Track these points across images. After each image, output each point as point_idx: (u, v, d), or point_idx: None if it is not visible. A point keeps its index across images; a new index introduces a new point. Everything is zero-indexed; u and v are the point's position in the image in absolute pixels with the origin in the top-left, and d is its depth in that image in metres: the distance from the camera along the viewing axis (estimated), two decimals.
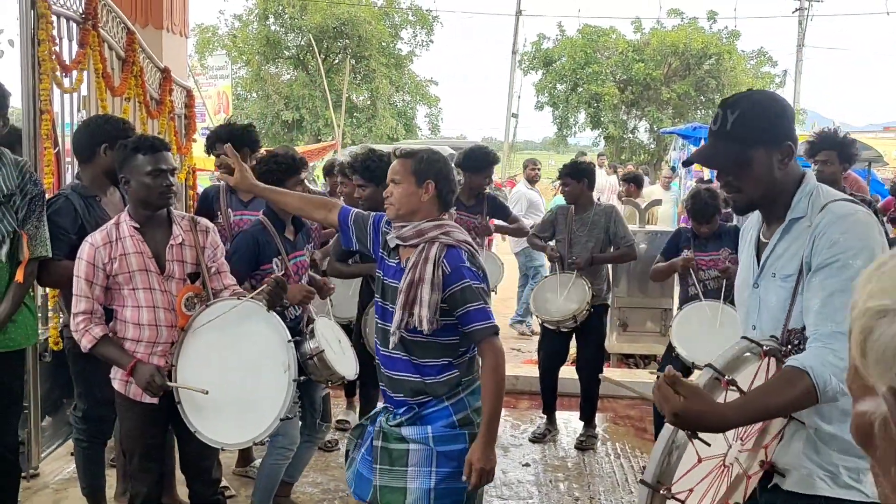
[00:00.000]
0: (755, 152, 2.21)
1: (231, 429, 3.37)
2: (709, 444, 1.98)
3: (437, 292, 2.89)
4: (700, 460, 1.99)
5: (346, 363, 4.12)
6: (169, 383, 3.33)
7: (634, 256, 6.14)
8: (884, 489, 0.85)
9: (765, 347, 2.15)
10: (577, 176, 5.87)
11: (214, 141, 4.94)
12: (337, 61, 34.33)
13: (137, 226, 3.46)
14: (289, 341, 3.27)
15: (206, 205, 5.00)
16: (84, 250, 3.41)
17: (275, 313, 3.42)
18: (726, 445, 2.10)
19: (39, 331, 4.17)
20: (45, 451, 5.03)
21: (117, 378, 3.53)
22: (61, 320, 4.45)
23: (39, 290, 4.63)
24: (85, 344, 3.37)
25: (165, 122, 6.39)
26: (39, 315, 4.34)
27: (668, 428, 2.02)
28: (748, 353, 2.15)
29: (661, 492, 1.98)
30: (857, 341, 0.82)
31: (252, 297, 3.42)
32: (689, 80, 32.16)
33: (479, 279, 2.96)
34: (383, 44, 35.28)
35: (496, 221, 6.73)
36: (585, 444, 5.88)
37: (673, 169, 16.46)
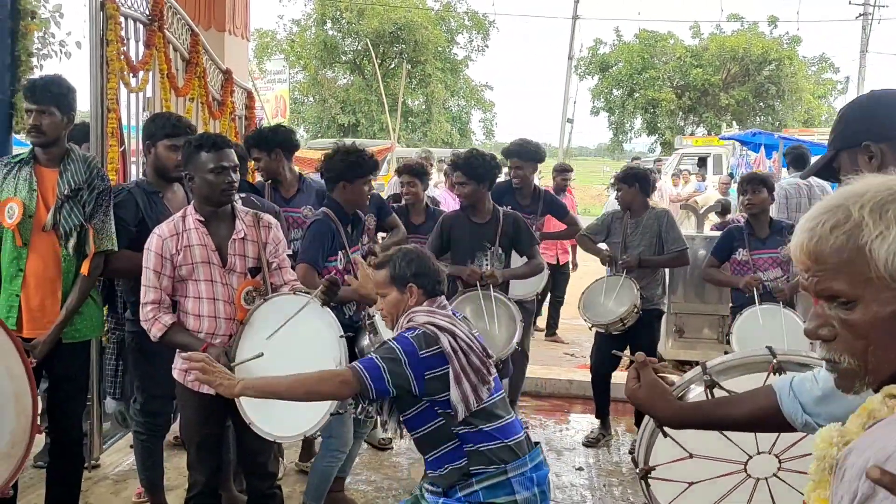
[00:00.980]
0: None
1: (284, 422, 3.39)
2: (678, 443, 2.12)
3: None
4: (691, 456, 2.08)
5: None
6: (230, 363, 3.34)
7: (686, 261, 6.04)
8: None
9: (776, 361, 2.15)
10: (630, 181, 5.82)
11: (248, 146, 5.06)
12: (393, 66, 34.60)
13: (202, 219, 3.53)
14: (341, 337, 3.29)
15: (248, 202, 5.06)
16: (152, 241, 3.48)
17: (329, 309, 3.44)
18: (744, 454, 2.10)
19: None
20: (106, 443, 5.14)
21: (177, 368, 3.61)
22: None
23: None
24: (155, 332, 3.44)
25: (227, 123, 6.50)
26: None
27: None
28: (756, 363, 2.15)
29: (637, 470, 2.11)
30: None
31: (313, 295, 3.43)
32: (749, 85, 31.77)
33: (405, 343, 2.90)
34: (439, 48, 35.46)
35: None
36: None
37: (731, 175, 16.25)
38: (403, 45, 34.30)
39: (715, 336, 7.51)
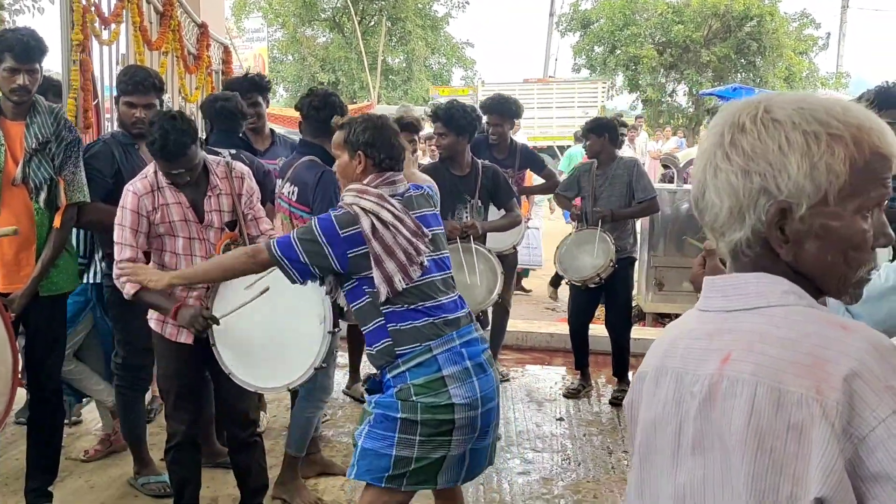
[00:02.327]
0: None
1: (265, 373, 3.42)
2: None
3: None
4: None
5: None
6: (215, 314, 3.36)
7: (657, 209, 6.14)
8: None
9: None
10: (599, 131, 5.84)
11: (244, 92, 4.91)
12: (372, 23, 34.21)
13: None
14: (326, 294, 3.28)
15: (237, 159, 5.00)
16: (127, 199, 3.44)
17: None
18: None
19: None
20: (86, 399, 5.14)
21: (153, 318, 3.60)
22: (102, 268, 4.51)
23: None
24: (128, 290, 3.39)
25: (203, 78, 6.43)
26: None
27: None
28: None
29: None
30: None
31: None
32: (730, 42, 31.59)
33: (324, 223, 2.92)
34: (419, 5, 35.07)
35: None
36: (620, 399, 5.88)
37: None
38: (383, 2, 33.91)
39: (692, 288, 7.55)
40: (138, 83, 3.97)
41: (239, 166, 3.71)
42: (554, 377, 6.48)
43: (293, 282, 2.97)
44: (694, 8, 31.60)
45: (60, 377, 4.02)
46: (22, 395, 4.22)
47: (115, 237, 3.44)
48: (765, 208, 1.17)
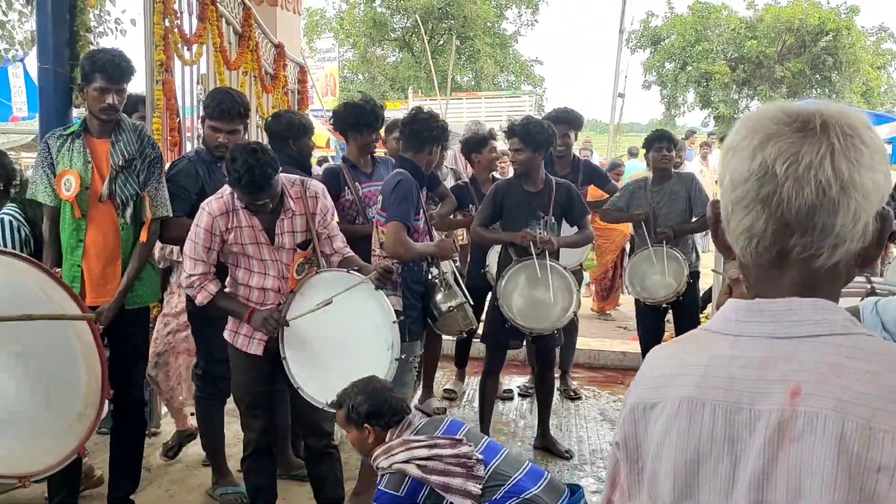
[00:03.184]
0: None
1: (334, 390, 3.46)
2: None
3: None
4: None
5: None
6: (287, 318, 3.47)
7: None
8: None
9: (871, 286, 2.21)
10: (671, 144, 5.77)
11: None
12: (441, 42, 34.45)
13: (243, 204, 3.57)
14: (394, 322, 3.34)
15: (334, 182, 4.94)
16: (202, 219, 3.53)
17: (383, 293, 3.49)
18: None
19: None
20: (164, 410, 5.25)
21: (227, 330, 3.71)
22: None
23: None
24: (200, 300, 3.54)
25: (279, 97, 6.55)
26: None
27: None
28: (855, 291, 2.22)
29: None
30: None
31: (363, 280, 3.47)
32: (805, 57, 31.01)
33: (384, 497, 3.09)
34: (488, 24, 35.21)
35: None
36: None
37: None
38: (452, 21, 34.14)
39: None
40: (224, 111, 4.06)
41: (314, 184, 3.76)
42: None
43: None
44: (767, 23, 31.11)
45: (143, 389, 4.12)
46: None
47: (187, 251, 3.56)
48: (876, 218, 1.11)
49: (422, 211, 4.29)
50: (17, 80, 14.85)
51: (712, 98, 32.85)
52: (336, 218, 3.89)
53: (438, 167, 4.46)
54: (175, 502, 4.37)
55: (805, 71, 31.00)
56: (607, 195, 6.36)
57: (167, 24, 4.71)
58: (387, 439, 3.15)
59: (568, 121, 5.86)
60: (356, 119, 4.61)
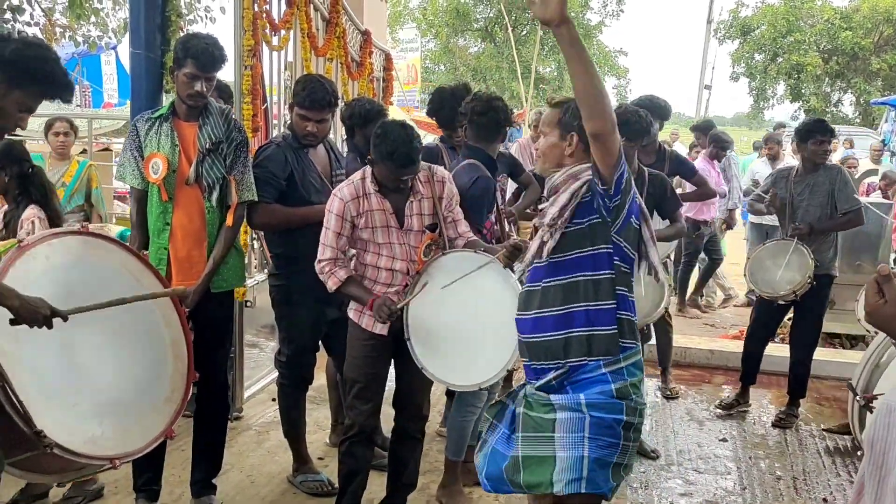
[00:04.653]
0: None
1: (457, 371, 3.47)
2: None
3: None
4: None
5: None
6: (401, 302, 3.46)
7: (861, 221, 5.60)
8: None
9: None
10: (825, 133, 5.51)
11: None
12: (524, 32, 34.18)
13: (378, 187, 3.57)
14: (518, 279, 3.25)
15: (431, 160, 4.87)
16: (334, 205, 3.54)
17: (511, 272, 3.41)
18: None
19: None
20: (247, 395, 5.28)
21: (352, 309, 3.72)
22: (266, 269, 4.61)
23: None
24: (331, 285, 3.57)
25: (365, 84, 6.52)
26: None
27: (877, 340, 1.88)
28: None
29: (858, 399, 1.87)
30: None
31: (491, 259, 3.40)
32: None
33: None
34: (572, 13, 34.66)
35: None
36: (785, 422, 5.54)
37: (884, 143, 15.29)
38: None
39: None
40: (315, 100, 4.00)
41: (440, 171, 3.75)
42: (715, 396, 6.19)
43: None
44: (864, 13, 29.95)
45: (226, 372, 4.12)
46: None
47: (321, 238, 3.59)
48: None
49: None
50: (109, 68, 15.30)
51: (803, 91, 31.82)
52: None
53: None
54: (256, 488, 4.36)
55: None
56: (695, 187, 6.14)
57: (255, 8, 4.70)
58: (582, 167, 2.81)
59: (652, 109, 5.66)
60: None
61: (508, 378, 5.80)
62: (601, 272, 2.77)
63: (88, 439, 2.93)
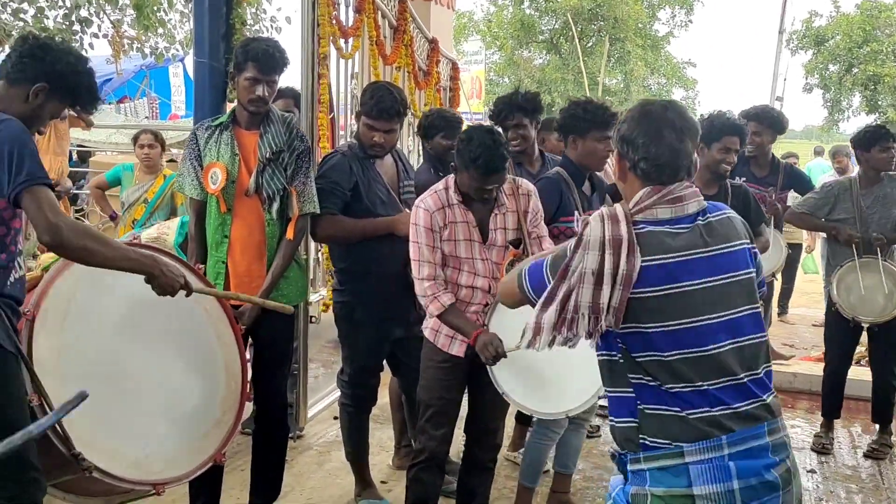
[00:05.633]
0: None
1: (542, 398, 3.27)
2: None
3: None
4: None
5: None
6: (505, 350, 3.17)
7: None
8: None
9: None
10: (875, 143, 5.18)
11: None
12: (590, 44, 33.85)
13: (461, 198, 3.40)
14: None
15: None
16: (419, 216, 3.36)
17: None
18: None
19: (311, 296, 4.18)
20: (310, 414, 5.12)
21: (427, 327, 3.52)
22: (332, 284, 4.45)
23: (311, 254, 4.69)
24: (433, 311, 3.36)
25: (432, 94, 6.36)
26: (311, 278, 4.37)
27: None
28: None
29: None
30: None
31: None
32: None
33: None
34: (640, 25, 34.32)
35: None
36: (878, 452, 5.17)
37: None
38: (602, 22, 33.48)
39: None
40: (383, 110, 3.82)
41: (525, 183, 3.58)
42: (800, 422, 5.84)
43: None
44: None
45: (287, 392, 3.96)
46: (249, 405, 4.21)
47: (413, 254, 3.39)
48: None
49: (577, 214, 3.94)
50: (177, 80, 15.47)
51: (880, 102, 30.87)
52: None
53: (594, 161, 4.03)
54: None
55: None
56: None
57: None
58: (639, 198, 2.20)
59: (759, 118, 5.39)
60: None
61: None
62: (610, 353, 2.24)
63: (132, 463, 2.83)
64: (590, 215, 3.93)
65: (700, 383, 2.10)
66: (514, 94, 4.45)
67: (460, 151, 3.29)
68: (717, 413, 2.10)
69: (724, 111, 4.57)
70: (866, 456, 5.18)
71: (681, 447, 2.10)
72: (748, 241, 2.25)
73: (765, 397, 2.15)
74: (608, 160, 4.14)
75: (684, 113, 2.27)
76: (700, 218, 2.19)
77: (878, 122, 27.42)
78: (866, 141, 5.16)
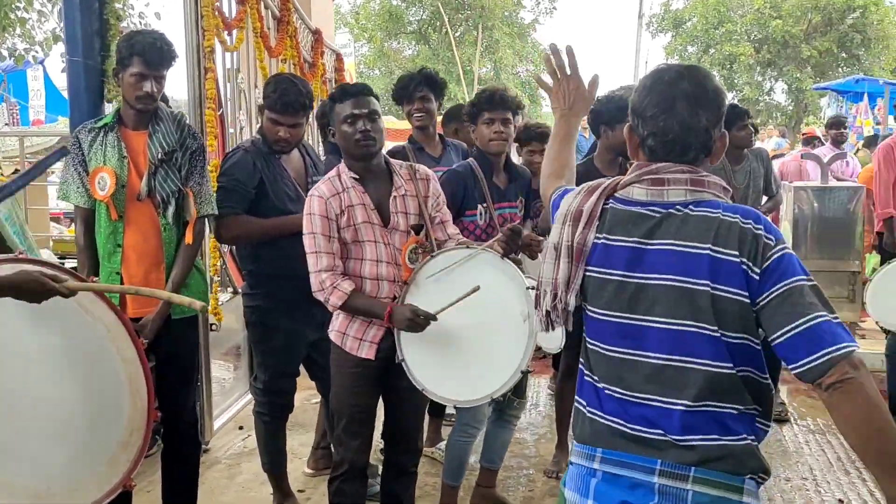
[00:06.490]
0: None
1: (462, 386, 3.07)
2: None
3: None
4: None
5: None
6: (433, 312, 2.99)
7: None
8: None
9: None
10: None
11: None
12: (458, 34, 34.01)
13: (357, 177, 3.23)
14: (528, 288, 2.88)
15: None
16: (313, 205, 3.17)
17: (509, 261, 3.05)
18: None
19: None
20: (217, 425, 4.90)
21: (333, 330, 3.32)
22: (230, 289, 4.26)
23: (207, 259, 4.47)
24: (335, 302, 3.13)
25: (318, 86, 6.18)
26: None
27: None
28: None
29: None
30: None
31: (484, 247, 3.07)
32: (832, 35, 30.42)
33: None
34: (506, 13, 34.71)
35: None
36: (780, 414, 5.33)
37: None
38: (470, 11, 33.68)
39: (846, 294, 6.95)
40: (287, 104, 3.67)
41: (423, 169, 3.43)
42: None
43: None
44: (793, 2, 30.53)
45: (195, 406, 3.75)
46: None
47: (308, 247, 3.17)
48: None
49: (480, 207, 3.87)
50: (37, 83, 14.58)
51: (736, 81, 32.30)
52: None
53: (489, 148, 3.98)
54: None
55: (832, 49, 30.40)
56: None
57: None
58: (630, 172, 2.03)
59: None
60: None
61: (522, 382, 5.59)
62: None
63: (31, 495, 2.62)
64: (502, 207, 3.90)
65: (603, 385, 2.00)
66: (420, 69, 4.51)
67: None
68: (606, 421, 1.97)
69: (617, 92, 4.58)
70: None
71: (577, 444, 2.06)
72: (725, 249, 1.83)
73: (674, 436, 1.86)
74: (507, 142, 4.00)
75: (704, 81, 1.97)
76: (679, 208, 1.91)
77: (734, 101, 28.73)
78: (726, 121, 5.29)
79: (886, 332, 5.30)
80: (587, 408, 2.03)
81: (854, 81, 14.80)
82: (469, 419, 3.85)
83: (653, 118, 1.94)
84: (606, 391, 1.98)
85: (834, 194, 7.06)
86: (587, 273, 2.01)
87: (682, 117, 1.92)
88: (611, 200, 2.01)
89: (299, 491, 4.27)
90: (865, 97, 13.43)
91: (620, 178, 2.04)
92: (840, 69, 31.17)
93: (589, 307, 2.03)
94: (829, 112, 16.83)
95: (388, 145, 5.64)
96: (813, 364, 1.74)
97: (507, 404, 3.99)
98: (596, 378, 2.01)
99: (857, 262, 6.91)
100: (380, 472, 3.73)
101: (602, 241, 1.99)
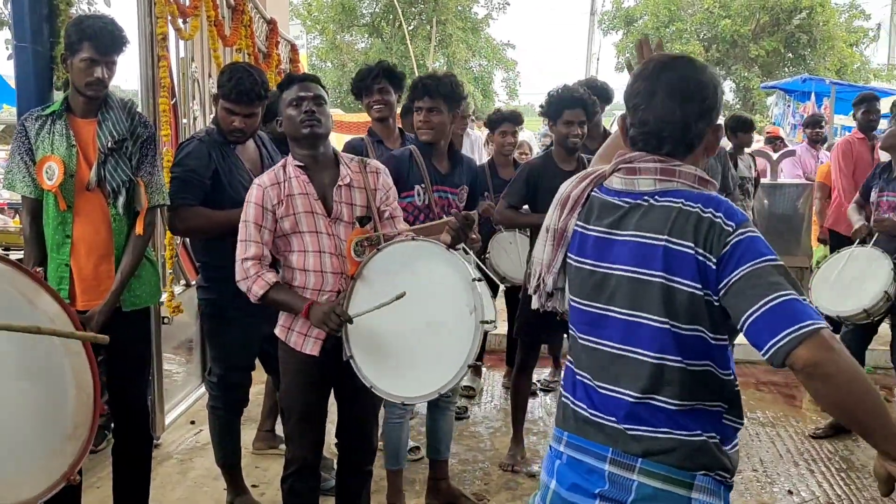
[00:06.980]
0: None
1: (410, 382, 2.99)
2: None
3: None
4: None
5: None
6: (349, 313, 2.94)
7: None
8: None
9: None
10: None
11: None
12: (412, 27, 33.91)
13: (302, 165, 3.15)
14: (474, 280, 2.85)
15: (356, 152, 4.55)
16: (253, 193, 3.11)
17: (456, 252, 2.99)
18: None
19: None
20: (169, 419, 4.82)
21: (279, 325, 3.24)
22: (182, 281, 4.18)
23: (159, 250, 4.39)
24: (256, 291, 3.06)
25: (273, 77, 6.10)
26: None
27: None
28: None
29: None
30: None
31: (430, 240, 3.02)
32: (779, 36, 30.91)
33: None
34: (459, 7, 34.70)
35: None
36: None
37: (774, 124, 15.65)
38: (423, 5, 33.61)
39: None
40: (242, 93, 3.61)
41: (374, 163, 3.36)
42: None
43: None
44: (741, 2, 30.96)
45: (146, 400, 3.67)
46: None
47: (239, 234, 3.11)
48: None
49: (417, 188, 3.84)
50: None
51: None
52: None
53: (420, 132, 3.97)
54: None
55: (779, 49, 30.92)
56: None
57: None
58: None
59: (595, 92, 5.48)
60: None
61: (477, 371, 5.70)
62: None
63: None
64: (442, 191, 3.89)
65: (577, 371, 2.03)
66: (378, 62, 4.50)
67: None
68: (575, 407, 2.01)
69: (567, 86, 4.62)
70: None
71: (554, 427, 2.10)
72: (680, 240, 1.80)
73: (623, 425, 1.88)
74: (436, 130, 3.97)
75: (688, 73, 1.91)
76: (647, 198, 1.89)
77: None
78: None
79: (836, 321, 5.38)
80: (564, 392, 2.09)
81: (801, 81, 15.06)
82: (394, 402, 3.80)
83: (634, 109, 1.94)
84: (579, 377, 2.02)
85: (783, 191, 7.18)
86: (568, 260, 2.06)
87: (658, 110, 1.89)
88: (596, 189, 2.03)
89: (253, 486, 4.20)
90: (813, 96, 13.70)
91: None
92: (786, 69, 31.69)
93: (569, 294, 2.08)
94: (776, 111, 17.11)
95: (343, 139, 5.62)
96: (778, 346, 1.63)
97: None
98: (573, 364, 2.06)
99: (807, 258, 7.04)
100: (334, 466, 3.68)
101: (580, 229, 2.02)
